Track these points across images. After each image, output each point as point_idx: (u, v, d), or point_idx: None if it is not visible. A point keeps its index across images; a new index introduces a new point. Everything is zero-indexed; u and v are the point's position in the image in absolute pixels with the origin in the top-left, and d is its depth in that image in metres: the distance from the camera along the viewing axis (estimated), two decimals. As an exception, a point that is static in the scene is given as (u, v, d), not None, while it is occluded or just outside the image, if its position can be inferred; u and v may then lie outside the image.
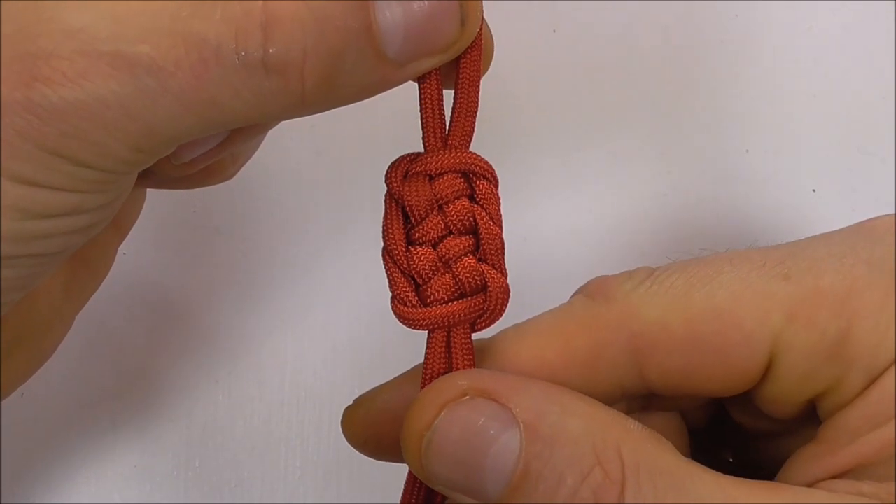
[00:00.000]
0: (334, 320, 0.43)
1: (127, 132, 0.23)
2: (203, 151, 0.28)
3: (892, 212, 0.29)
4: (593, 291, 0.28)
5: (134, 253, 0.43)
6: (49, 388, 0.42)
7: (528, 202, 0.45)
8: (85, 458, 0.42)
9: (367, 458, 0.30)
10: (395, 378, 0.30)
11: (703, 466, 0.25)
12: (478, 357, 0.28)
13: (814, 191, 0.45)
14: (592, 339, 0.27)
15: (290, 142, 0.44)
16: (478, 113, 0.27)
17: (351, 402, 0.30)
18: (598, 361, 0.27)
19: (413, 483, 0.28)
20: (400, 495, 0.29)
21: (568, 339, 0.27)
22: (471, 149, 0.27)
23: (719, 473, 0.25)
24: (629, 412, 0.29)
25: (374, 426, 0.29)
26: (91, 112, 0.23)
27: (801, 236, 0.28)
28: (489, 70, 0.28)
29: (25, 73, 0.22)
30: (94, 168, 0.24)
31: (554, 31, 0.46)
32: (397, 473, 0.28)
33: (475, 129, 0.27)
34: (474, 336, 0.28)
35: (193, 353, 0.43)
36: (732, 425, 0.31)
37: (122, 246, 0.43)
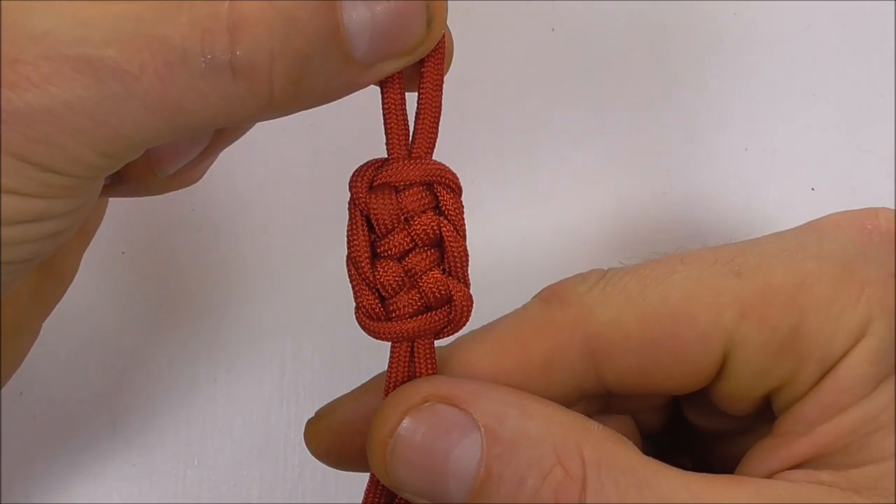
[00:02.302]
0: (333, 319, 0.43)
1: (93, 137, 0.23)
2: (186, 162, 0.28)
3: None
4: (548, 296, 0.28)
5: (132, 252, 0.43)
6: (48, 388, 0.42)
7: (526, 201, 0.45)
8: (84, 457, 0.42)
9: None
10: (354, 389, 0.30)
11: (665, 464, 0.25)
12: (438, 365, 0.28)
13: (812, 189, 0.45)
14: (548, 343, 0.27)
15: (288, 141, 0.44)
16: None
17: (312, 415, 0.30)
18: (555, 365, 0.27)
19: (374, 488, 0.28)
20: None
21: (524, 344, 0.27)
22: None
23: (681, 470, 0.25)
24: (587, 415, 0.30)
25: (336, 438, 0.29)
26: (56, 117, 0.22)
27: (799, 234, 0.28)
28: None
29: None
30: (60, 173, 0.23)
31: (553, 29, 0.46)
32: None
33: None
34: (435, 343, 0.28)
35: (192, 351, 0.43)
36: (688, 429, 0.31)
37: (121, 245, 0.43)
